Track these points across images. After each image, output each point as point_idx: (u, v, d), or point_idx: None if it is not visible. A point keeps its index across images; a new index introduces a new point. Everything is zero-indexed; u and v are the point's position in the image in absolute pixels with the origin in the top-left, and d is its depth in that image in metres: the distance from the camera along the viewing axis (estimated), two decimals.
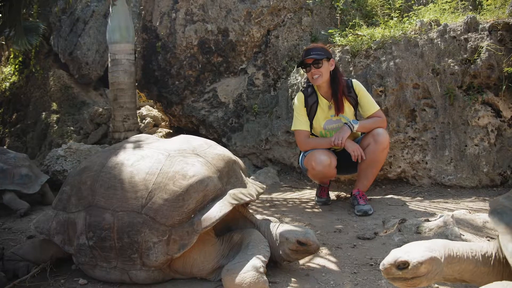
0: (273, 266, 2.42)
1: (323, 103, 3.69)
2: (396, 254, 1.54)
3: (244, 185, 2.53)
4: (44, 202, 4.56)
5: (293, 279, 2.26)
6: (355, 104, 3.69)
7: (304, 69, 3.65)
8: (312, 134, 3.79)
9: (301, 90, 3.90)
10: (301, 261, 2.53)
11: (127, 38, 6.61)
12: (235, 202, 2.29)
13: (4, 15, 4.58)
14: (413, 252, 1.53)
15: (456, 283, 1.89)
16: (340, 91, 3.59)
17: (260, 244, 2.22)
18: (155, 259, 2.13)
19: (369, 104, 3.64)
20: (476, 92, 4.10)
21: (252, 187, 2.60)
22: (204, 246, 2.28)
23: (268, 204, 4.08)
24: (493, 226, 1.60)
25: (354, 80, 3.71)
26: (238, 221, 2.54)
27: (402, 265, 1.51)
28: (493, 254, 1.59)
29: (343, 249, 2.71)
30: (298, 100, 3.74)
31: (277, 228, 2.38)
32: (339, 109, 3.62)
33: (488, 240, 2.39)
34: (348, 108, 3.67)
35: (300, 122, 3.70)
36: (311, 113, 3.71)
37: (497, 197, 1.74)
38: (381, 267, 1.56)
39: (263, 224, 2.47)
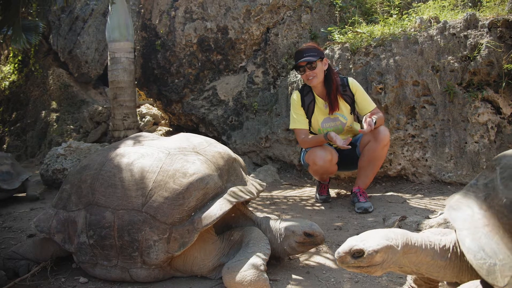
0: (274, 264, 2.42)
1: (320, 102, 3.72)
2: (352, 243, 1.52)
3: (244, 183, 2.53)
4: (25, 198, 4.86)
5: (293, 277, 2.26)
6: (351, 102, 3.70)
7: (298, 71, 3.65)
8: (311, 132, 3.81)
9: (298, 89, 3.91)
10: (302, 259, 2.53)
11: (126, 36, 6.60)
12: (235, 200, 2.29)
13: (2, 14, 4.56)
14: (369, 240, 1.51)
15: (412, 275, 1.87)
16: (333, 91, 3.61)
17: (261, 242, 2.22)
18: (156, 257, 2.13)
19: (366, 102, 3.66)
20: (476, 89, 4.10)
21: (252, 185, 2.60)
22: (205, 244, 2.28)
23: (268, 202, 4.08)
24: (450, 221, 1.59)
25: (350, 78, 3.72)
26: (239, 219, 2.54)
27: (357, 254, 1.49)
28: (451, 248, 1.60)
29: None
30: (295, 99, 3.77)
31: (279, 223, 2.39)
32: (333, 108, 3.66)
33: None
34: (343, 106, 3.69)
35: (297, 120, 3.74)
36: (309, 112, 3.74)
37: (453, 194, 1.74)
38: (336, 255, 1.54)
39: (264, 221, 2.47)
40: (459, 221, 1.54)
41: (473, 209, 1.54)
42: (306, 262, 2.49)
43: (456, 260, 1.59)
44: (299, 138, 3.78)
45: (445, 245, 1.61)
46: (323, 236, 2.28)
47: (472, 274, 1.51)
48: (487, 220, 1.46)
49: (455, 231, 1.57)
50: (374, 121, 3.29)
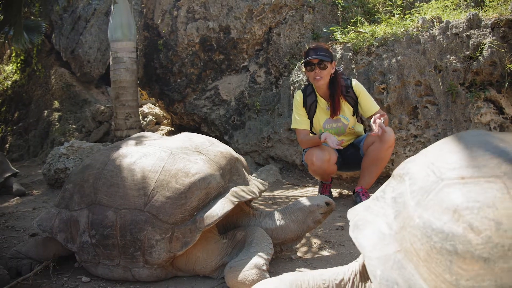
0: (276, 263, 2.42)
1: (322, 102, 3.72)
2: None
3: (246, 183, 2.53)
4: (11, 193, 5.19)
5: None
6: (354, 103, 3.69)
7: (306, 69, 3.63)
8: (313, 133, 3.81)
9: (300, 89, 3.91)
10: (306, 258, 2.53)
11: (128, 36, 6.62)
12: (238, 199, 2.29)
13: (4, 13, 4.57)
14: None
15: None
16: (337, 94, 3.61)
17: (264, 241, 2.22)
18: (158, 256, 2.13)
19: (370, 104, 3.65)
20: (478, 89, 4.09)
21: (254, 184, 2.60)
22: (207, 244, 2.28)
23: (270, 202, 4.08)
24: (357, 246, 1.38)
25: (353, 80, 3.72)
26: (242, 218, 2.54)
27: None
28: (351, 280, 1.50)
29: (346, 246, 2.71)
30: (297, 99, 3.77)
31: (294, 206, 2.49)
32: (335, 112, 3.66)
33: None
34: (346, 108, 3.69)
35: (298, 121, 3.75)
36: (310, 112, 3.75)
37: (354, 206, 1.60)
38: None
39: (268, 215, 2.51)
40: (368, 248, 1.34)
41: (383, 230, 1.35)
42: (310, 261, 2.49)
43: None
44: (298, 138, 3.81)
45: (342, 279, 1.52)
46: (334, 202, 2.52)
47: None
48: (398, 245, 1.27)
49: (364, 259, 1.38)
50: (382, 121, 3.28)
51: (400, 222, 1.30)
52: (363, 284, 1.50)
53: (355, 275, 1.51)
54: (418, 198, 1.25)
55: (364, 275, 1.49)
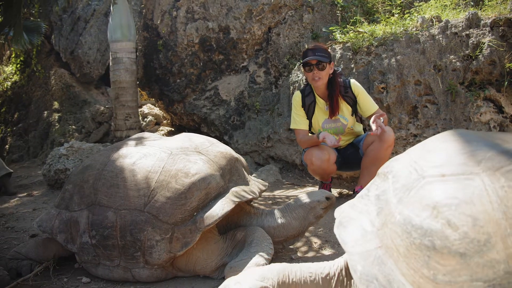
0: (276, 262, 2.42)
1: (320, 103, 3.72)
2: (228, 284, 1.53)
3: (246, 183, 2.53)
4: (4, 193, 5.33)
5: None
6: (353, 103, 3.69)
7: (305, 69, 3.63)
8: (312, 133, 3.81)
9: (299, 89, 3.91)
10: (306, 257, 2.53)
11: (128, 36, 6.62)
12: (238, 200, 2.29)
13: (3, 14, 4.58)
14: (243, 282, 1.52)
15: None
16: (336, 95, 3.61)
17: (264, 241, 2.22)
18: (158, 257, 2.13)
19: (369, 104, 3.65)
20: (478, 88, 4.08)
21: (254, 184, 2.60)
22: (207, 244, 2.28)
23: (270, 202, 4.08)
24: (340, 243, 1.42)
25: (352, 80, 3.71)
26: (243, 218, 2.54)
27: None
28: (336, 275, 1.53)
29: None
30: (296, 99, 3.78)
31: (294, 203, 2.50)
32: (333, 112, 3.66)
33: None
34: (345, 108, 3.69)
35: (297, 121, 3.75)
36: (309, 113, 3.75)
37: (341, 205, 1.62)
38: None
39: (269, 214, 2.51)
40: (350, 244, 1.37)
41: (365, 227, 1.38)
42: (309, 259, 2.49)
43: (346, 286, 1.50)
44: (297, 138, 3.81)
45: (328, 274, 1.55)
46: (334, 196, 2.55)
47: None
48: (379, 241, 1.30)
49: (346, 255, 1.41)
50: (382, 121, 3.28)
51: (382, 218, 1.33)
52: (348, 279, 1.52)
53: (341, 270, 1.54)
54: (400, 196, 1.28)
55: (349, 270, 1.51)
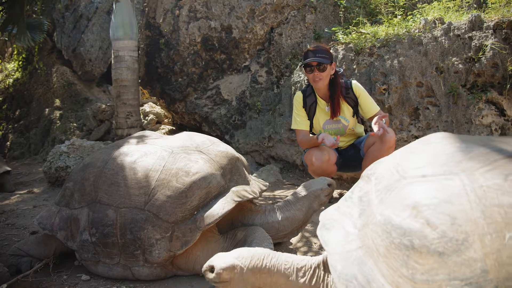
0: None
1: (322, 103, 3.72)
2: (211, 259, 1.64)
3: (247, 182, 2.53)
4: (2, 190, 5.43)
5: None
6: (354, 104, 3.69)
7: (306, 70, 3.63)
8: (313, 133, 3.81)
9: (301, 89, 3.91)
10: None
11: (130, 34, 6.62)
12: (238, 199, 2.29)
13: (7, 12, 4.59)
14: (220, 259, 1.62)
15: None
16: (337, 95, 3.61)
17: (264, 241, 2.22)
18: (158, 255, 2.13)
19: (370, 105, 3.65)
20: (480, 91, 4.08)
21: (255, 184, 2.60)
22: (207, 243, 2.28)
23: (270, 202, 4.08)
24: (322, 245, 1.45)
25: (353, 81, 3.71)
26: (246, 216, 2.54)
27: (211, 270, 1.61)
28: (312, 269, 1.56)
29: None
30: (297, 100, 3.78)
31: (293, 198, 2.53)
32: (334, 113, 3.66)
33: None
34: (346, 109, 3.69)
35: (298, 121, 3.76)
36: (310, 113, 3.75)
37: (327, 208, 1.64)
38: (202, 269, 1.66)
39: (272, 209, 2.53)
40: (332, 244, 1.39)
41: (347, 228, 1.39)
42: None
43: (320, 283, 1.54)
44: (298, 139, 3.82)
45: (304, 266, 1.59)
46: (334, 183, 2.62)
47: None
48: (360, 242, 1.31)
49: (327, 254, 1.44)
50: (384, 122, 3.28)
51: (364, 219, 1.35)
52: (326, 275, 1.55)
53: (318, 265, 1.57)
54: (381, 196, 1.30)
55: (327, 267, 1.54)
